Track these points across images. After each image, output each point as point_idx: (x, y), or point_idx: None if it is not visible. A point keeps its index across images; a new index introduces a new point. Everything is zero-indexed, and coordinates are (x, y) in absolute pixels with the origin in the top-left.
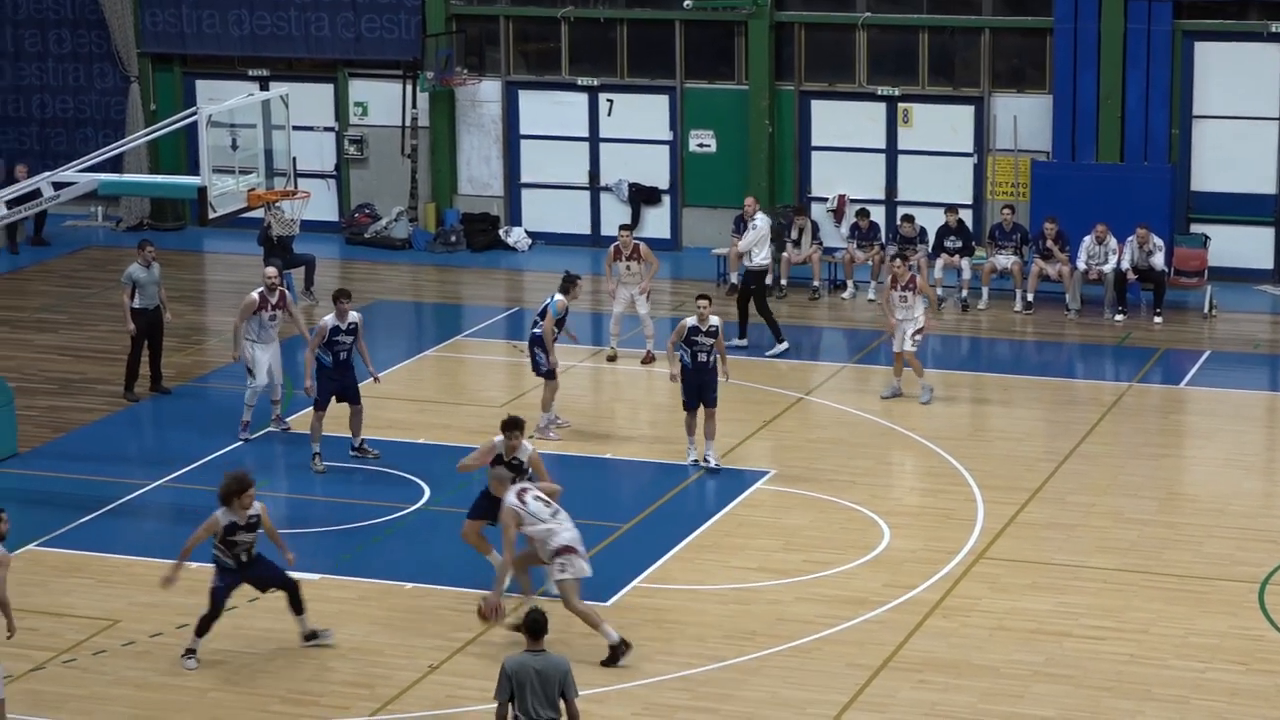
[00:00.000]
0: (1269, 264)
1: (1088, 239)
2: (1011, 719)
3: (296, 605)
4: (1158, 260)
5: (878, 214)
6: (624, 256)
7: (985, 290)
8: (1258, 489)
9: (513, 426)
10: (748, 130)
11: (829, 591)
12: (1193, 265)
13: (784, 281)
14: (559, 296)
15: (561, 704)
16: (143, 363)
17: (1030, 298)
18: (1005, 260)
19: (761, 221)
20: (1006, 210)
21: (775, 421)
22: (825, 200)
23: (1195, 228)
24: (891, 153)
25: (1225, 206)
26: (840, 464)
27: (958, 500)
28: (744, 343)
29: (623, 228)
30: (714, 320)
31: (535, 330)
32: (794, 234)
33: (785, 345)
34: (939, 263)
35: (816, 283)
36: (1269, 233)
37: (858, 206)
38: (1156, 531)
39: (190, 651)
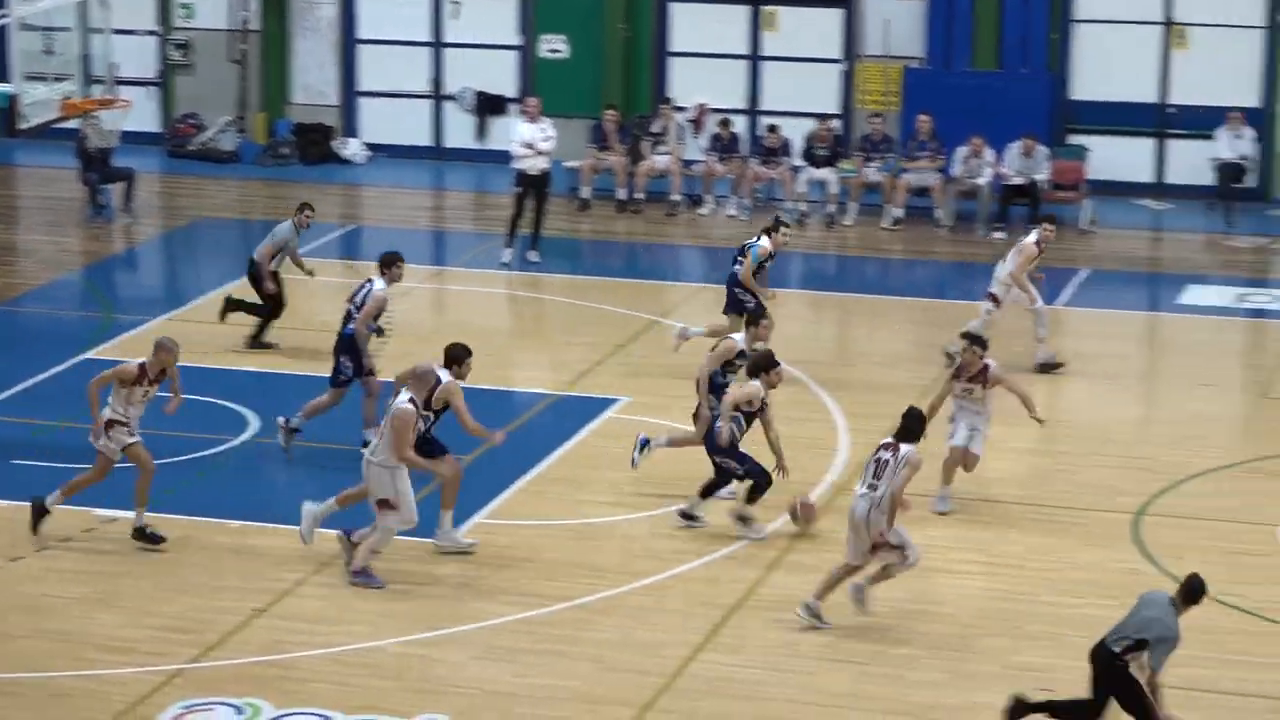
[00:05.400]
0: (1150, 177)
1: (963, 150)
2: (876, 658)
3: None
4: (1042, 173)
5: (740, 124)
6: None
7: (853, 205)
8: (1136, 415)
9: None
10: (603, 35)
11: (687, 528)
12: (1070, 178)
13: (640, 195)
14: (763, 240)
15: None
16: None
17: (899, 213)
18: (875, 174)
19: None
20: (876, 120)
21: (628, 345)
22: (684, 109)
23: (1073, 138)
24: (755, 59)
25: (1105, 116)
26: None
27: (821, 429)
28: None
29: None
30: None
31: (734, 268)
32: (657, 128)
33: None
34: (804, 176)
35: (675, 197)
36: (1150, 144)
37: (719, 116)
38: (1032, 460)
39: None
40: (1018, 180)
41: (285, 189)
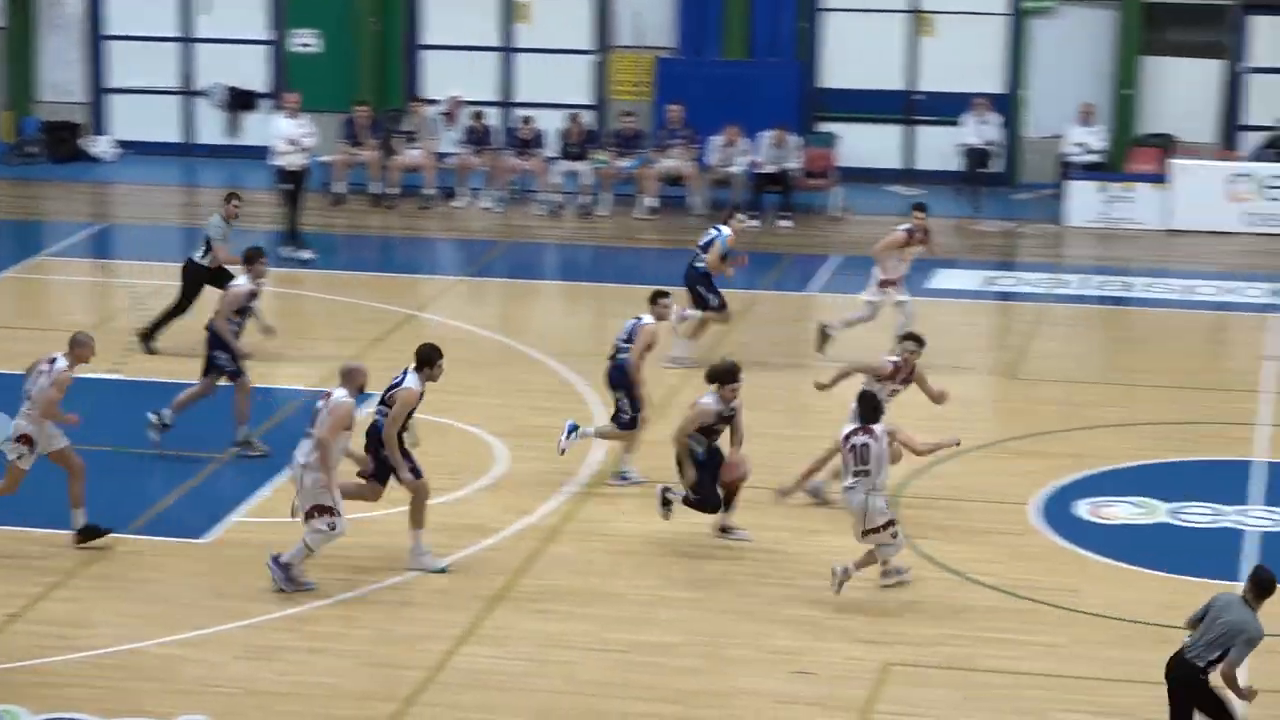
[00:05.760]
0: (898, 163)
1: (718, 139)
2: (636, 647)
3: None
4: (794, 161)
5: (494, 116)
6: None
7: (607, 196)
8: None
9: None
10: (354, 29)
11: (444, 519)
12: (821, 165)
13: (393, 190)
14: (725, 229)
15: None
16: None
17: (654, 203)
18: (628, 165)
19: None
20: (628, 118)
21: (385, 339)
22: (437, 102)
23: (823, 126)
24: (507, 50)
25: (854, 104)
26: (455, 383)
27: (579, 418)
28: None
29: None
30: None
31: (698, 265)
32: (408, 126)
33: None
34: (558, 167)
35: (429, 191)
36: (898, 130)
37: (472, 109)
38: (781, 446)
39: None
40: (770, 169)
41: (33, 188)
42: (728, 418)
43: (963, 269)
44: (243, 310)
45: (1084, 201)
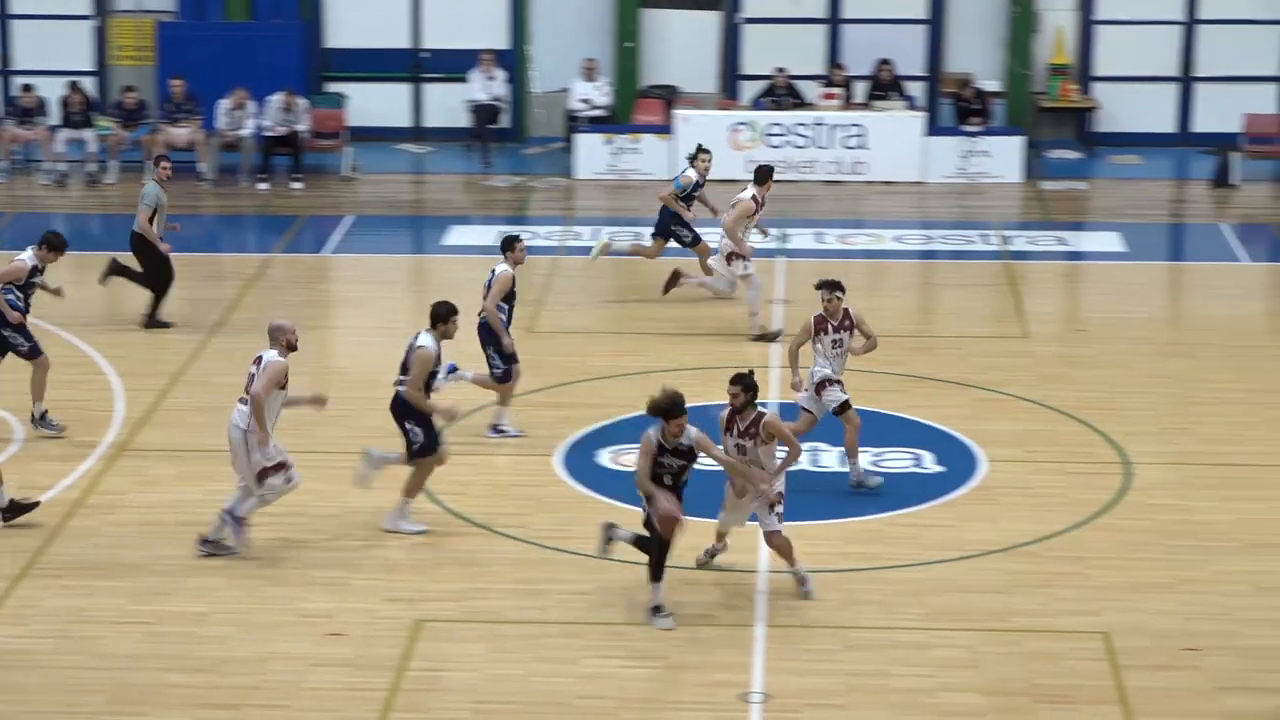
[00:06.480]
0: (408, 121)
1: (225, 102)
2: (163, 618)
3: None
4: (303, 123)
5: None
6: None
7: (114, 164)
8: None
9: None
10: None
11: None
12: (331, 126)
13: None
14: (689, 171)
15: None
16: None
17: None
18: (134, 134)
19: None
20: (130, 93)
21: None
22: None
23: (331, 87)
24: (4, 17)
25: (361, 63)
26: None
27: (94, 390)
28: None
29: None
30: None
31: (669, 209)
32: None
33: None
34: (62, 135)
35: None
36: (406, 89)
37: None
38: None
39: (658, 609)
40: (280, 131)
41: None
42: (683, 452)
43: (475, 224)
44: (25, 286)
45: (591, 154)
